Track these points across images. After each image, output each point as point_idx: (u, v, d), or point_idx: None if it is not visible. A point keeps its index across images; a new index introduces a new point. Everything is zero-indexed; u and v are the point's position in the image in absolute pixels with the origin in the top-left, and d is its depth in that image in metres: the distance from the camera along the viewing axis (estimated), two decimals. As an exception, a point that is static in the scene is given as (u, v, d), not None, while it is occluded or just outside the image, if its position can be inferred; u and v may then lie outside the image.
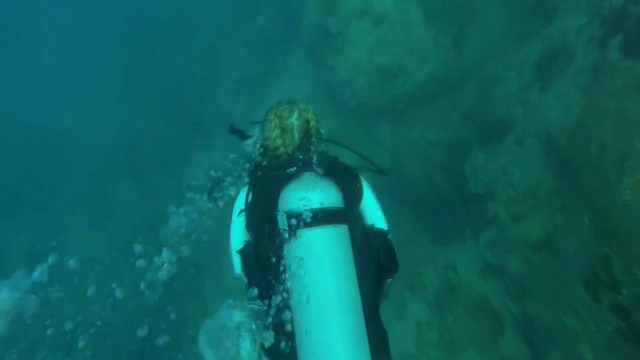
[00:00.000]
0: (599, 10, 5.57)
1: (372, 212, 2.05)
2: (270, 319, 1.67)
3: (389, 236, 1.97)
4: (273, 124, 2.02)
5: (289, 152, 1.99)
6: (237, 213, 2.02)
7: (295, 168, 1.87)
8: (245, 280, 1.88)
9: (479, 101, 7.52)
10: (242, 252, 1.90)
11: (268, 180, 1.89)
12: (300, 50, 9.95)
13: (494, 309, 5.62)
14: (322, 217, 1.66)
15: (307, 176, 1.83)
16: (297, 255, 1.63)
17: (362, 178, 2.06)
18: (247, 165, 2.07)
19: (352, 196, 1.90)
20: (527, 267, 5.16)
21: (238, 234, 2.01)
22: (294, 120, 2.01)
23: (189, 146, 11.46)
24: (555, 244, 4.68)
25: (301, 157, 1.91)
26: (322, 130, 2.12)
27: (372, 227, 1.98)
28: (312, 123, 2.06)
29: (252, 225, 1.90)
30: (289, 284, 1.64)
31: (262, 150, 2.08)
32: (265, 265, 1.73)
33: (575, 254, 4.07)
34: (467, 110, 8.38)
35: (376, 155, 8.88)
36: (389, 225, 2.05)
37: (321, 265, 1.61)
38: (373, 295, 1.83)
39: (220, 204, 2.11)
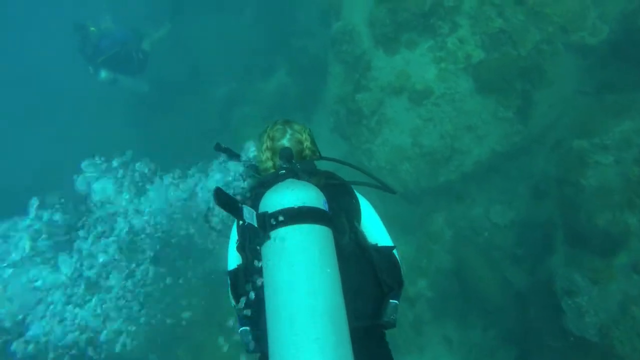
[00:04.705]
0: None
1: (375, 231, 1.94)
2: (253, 339, 1.68)
3: (394, 251, 1.87)
4: (265, 146, 2.02)
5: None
6: (235, 236, 1.95)
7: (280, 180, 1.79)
8: (232, 302, 1.79)
9: (559, 184, 5.91)
10: (231, 272, 1.82)
11: (256, 198, 1.78)
12: (325, 117, 8.62)
13: None
14: (298, 214, 1.54)
15: (289, 180, 1.75)
16: (271, 256, 1.52)
17: (359, 196, 1.95)
18: (244, 187, 2.01)
19: (338, 207, 1.77)
20: None
21: (234, 256, 1.93)
22: (285, 142, 1.99)
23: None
24: None
25: (285, 165, 1.89)
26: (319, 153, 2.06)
27: (376, 245, 1.86)
28: (306, 144, 2.02)
29: (241, 244, 1.81)
30: (264, 289, 1.51)
31: (254, 169, 2.07)
32: (253, 285, 1.67)
33: None
34: (540, 182, 6.78)
35: (434, 254, 7.41)
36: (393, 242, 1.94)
37: (292, 264, 1.46)
38: (371, 315, 1.66)
39: (218, 227, 2.08)
